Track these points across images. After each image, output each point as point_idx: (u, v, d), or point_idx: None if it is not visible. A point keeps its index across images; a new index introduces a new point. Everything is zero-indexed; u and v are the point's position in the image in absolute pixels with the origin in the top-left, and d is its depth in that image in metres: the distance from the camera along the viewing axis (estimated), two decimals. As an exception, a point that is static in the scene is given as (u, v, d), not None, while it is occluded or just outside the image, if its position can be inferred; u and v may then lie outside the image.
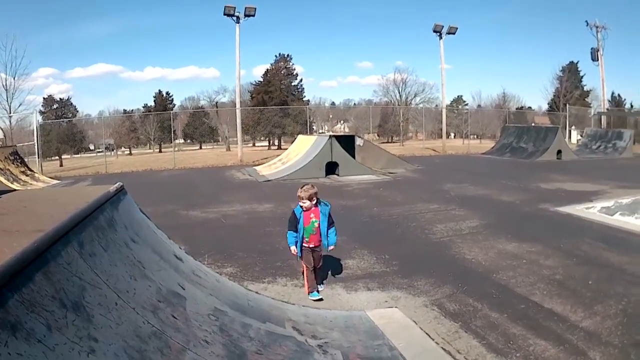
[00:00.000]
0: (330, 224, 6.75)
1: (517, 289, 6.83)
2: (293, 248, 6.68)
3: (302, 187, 6.74)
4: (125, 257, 3.88)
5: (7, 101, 42.35)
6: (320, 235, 6.68)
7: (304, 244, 6.66)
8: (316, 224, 6.65)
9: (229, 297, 4.86)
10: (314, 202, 6.65)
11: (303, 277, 6.90)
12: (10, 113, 42.03)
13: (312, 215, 6.66)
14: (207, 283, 4.83)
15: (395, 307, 6.28)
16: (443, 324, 5.74)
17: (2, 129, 38.33)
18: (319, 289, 6.72)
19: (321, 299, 6.53)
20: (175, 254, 4.93)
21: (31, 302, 2.49)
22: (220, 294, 4.80)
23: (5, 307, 2.31)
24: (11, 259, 2.55)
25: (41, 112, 65.58)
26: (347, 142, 23.17)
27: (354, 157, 22.92)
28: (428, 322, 5.81)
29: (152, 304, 3.59)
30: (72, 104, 76.02)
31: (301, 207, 6.63)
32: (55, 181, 25.14)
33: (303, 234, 6.63)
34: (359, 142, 24.23)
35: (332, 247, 6.80)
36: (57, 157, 56.38)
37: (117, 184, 4.89)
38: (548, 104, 75.64)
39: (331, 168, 21.59)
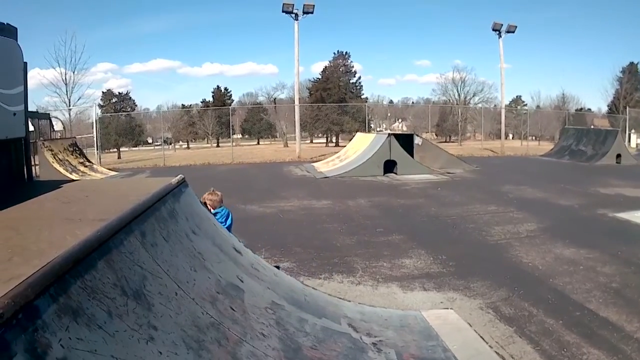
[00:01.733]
0: None
1: (573, 295, 6.63)
2: None
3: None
4: (185, 248, 3.88)
5: (67, 94, 43.69)
6: None
7: None
8: None
9: (286, 292, 4.83)
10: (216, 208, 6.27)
11: None
12: (69, 106, 43.34)
13: None
14: (265, 277, 4.81)
15: (451, 308, 6.18)
16: (498, 328, 5.62)
17: (61, 121, 39.41)
18: None
19: None
20: (235, 247, 4.92)
21: (93, 289, 2.49)
22: (278, 288, 4.78)
23: (67, 292, 2.31)
24: (74, 247, 2.56)
25: (100, 106, 66.73)
26: (405, 141, 22.89)
27: (412, 156, 22.61)
28: (483, 325, 5.70)
29: (211, 295, 3.57)
30: (130, 98, 76.74)
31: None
32: (114, 172, 25.77)
33: None
34: (417, 141, 23.94)
35: None
36: (115, 150, 57.37)
37: (179, 176, 4.90)
38: (608, 106, 73.13)
39: (389, 166, 21.40)
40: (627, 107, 53.55)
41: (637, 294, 6.63)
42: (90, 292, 2.46)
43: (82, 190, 4.88)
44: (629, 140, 48.82)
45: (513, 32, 38.89)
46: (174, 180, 4.74)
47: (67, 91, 43.58)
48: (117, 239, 3.01)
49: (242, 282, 4.21)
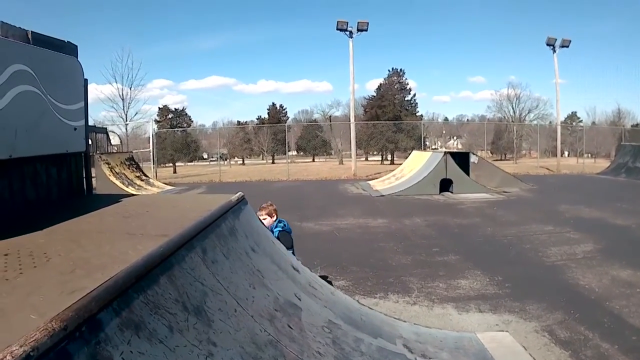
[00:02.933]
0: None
1: (630, 319, 6.36)
2: None
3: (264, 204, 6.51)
4: (245, 265, 3.86)
5: (124, 110, 44.79)
6: None
7: None
8: None
9: (342, 311, 4.76)
10: (274, 219, 6.54)
11: None
12: (126, 121, 44.38)
13: None
14: (322, 295, 4.75)
15: (506, 331, 6.01)
16: (553, 352, 5.43)
17: (118, 136, 40.38)
18: None
19: None
20: (293, 264, 4.88)
21: (155, 304, 2.48)
22: (335, 306, 4.71)
23: (130, 307, 2.31)
24: (137, 262, 2.57)
25: (156, 121, 68.32)
26: (461, 159, 22.65)
27: (468, 174, 22.34)
28: (538, 348, 5.52)
29: (270, 313, 3.53)
30: (186, 114, 78.06)
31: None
32: (169, 187, 26.17)
33: None
34: (473, 159, 23.57)
35: None
36: (171, 164, 58.55)
37: (238, 193, 4.91)
38: (665, 119, 71.50)
39: (445, 185, 21.12)
40: (685, 121, 52.13)
41: (697, 319, 6.37)
42: (152, 307, 2.45)
43: (142, 205, 4.93)
44: (688, 155, 47.36)
45: (567, 46, 38.03)
46: (234, 197, 4.75)
47: (124, 106, 44.70)
48: (179, 255, 3.01)
49: (300, 300, 4.15)
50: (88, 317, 2.00)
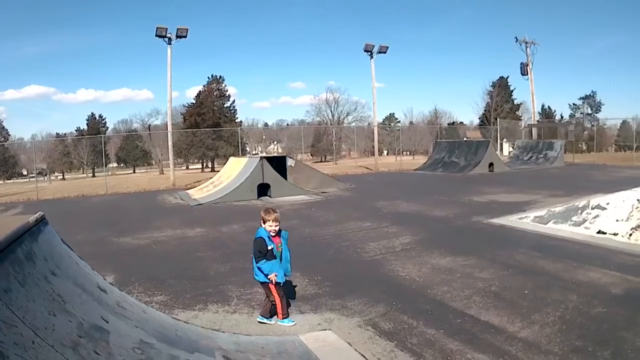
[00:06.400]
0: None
1: (453, 303, 6.94)
2: (274, 275, 6.40)
3: (270, 210, 6.70)
4: (44, 291, 3.76)
5: None
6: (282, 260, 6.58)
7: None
8: (281, 248, 6.61)
9: (155, 328, 4.76)
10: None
11: (274, 306, 6.56)
12: (-63, 139, 41.13)
13: (277, 240, 6.60)
14: (133, 315, 4.73)
15: (329, 329, 6.28)
16: (378, 344, 5.76)
17: None
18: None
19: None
20: (99, 285, 4.81)
21: None
22: (147, 325, 4.70)
23: None
24: None
25: (-29, 137, 64.43)
26: (278, 163, 23.40)
27: (285, 178, 23.08)
28: (363, 342, 5.83)
29: (73, 340, 3.47)
30: (3, 127, 74.70)
31: (269, 230, 6.56)
32: (-16, 209, 24.40)
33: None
34: (290, 162, 24.39)
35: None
36: (-12, 184, 55.23)
37: (38, 213, 4.77)
38: (479, 118, 78.15)
39: (263, 190, 21.61)
40: (498, 119, 57.20)
41: (517, 295, 7.09)
42: None
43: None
44: (501, 149, 52.18)
45: (385, 52, 40.73)
46: (32, 218, 4.60)
47: None
48: (-37, 288, 2.92)
49: (107, 322, 4.11)
50: None
